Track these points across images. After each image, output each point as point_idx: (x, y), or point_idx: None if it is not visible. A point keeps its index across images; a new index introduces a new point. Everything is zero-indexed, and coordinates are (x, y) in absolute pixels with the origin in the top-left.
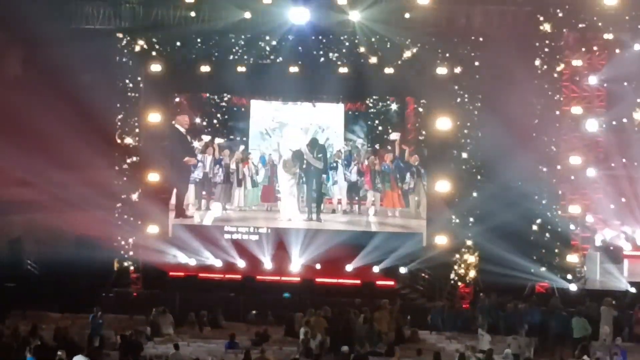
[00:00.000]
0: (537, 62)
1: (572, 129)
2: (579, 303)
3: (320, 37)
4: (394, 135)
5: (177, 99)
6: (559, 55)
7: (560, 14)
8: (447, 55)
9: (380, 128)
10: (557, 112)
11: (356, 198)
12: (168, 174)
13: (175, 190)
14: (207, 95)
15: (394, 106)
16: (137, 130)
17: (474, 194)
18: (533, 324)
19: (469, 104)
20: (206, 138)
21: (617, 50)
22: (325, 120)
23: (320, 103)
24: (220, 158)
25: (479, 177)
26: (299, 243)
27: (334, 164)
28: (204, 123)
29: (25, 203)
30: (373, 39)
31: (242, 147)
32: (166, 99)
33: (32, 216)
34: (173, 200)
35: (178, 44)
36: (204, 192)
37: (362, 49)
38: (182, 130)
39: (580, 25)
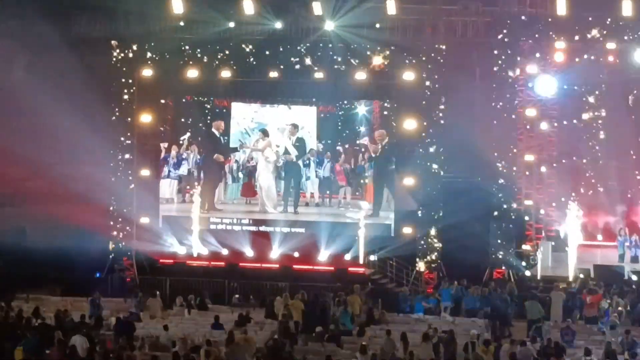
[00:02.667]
0: (496, 68)
1: (527, 129)
2: (533, 288)
3: (297, 45)
4: (365, 136)
5: (164, 101)
6: (515, 62)
7: (516, 25)
8: (414, 61)
9: (350, 129)
10: (513, 115)
11: (327, 192)
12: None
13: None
14: (192, 97)
15: (362, 109)
16: (130, 129)
17: (438, 188)
18: (492, 307)
19: (434, 105)
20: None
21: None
22: (300, 121)
23: (295, 106)
24: (204, 155)
25: (442, 173)
26: (277, 233)
27: (307, 162)
28: (189, 122)
29: (30, 195)
30: (346, 47)
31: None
32: (157, 101)
33: (36, 208)
34: (162, 194)
35: (167, 52)
36: (187, 187)
37: (336, 56)
38: (217, 134)
39: (535, 35)
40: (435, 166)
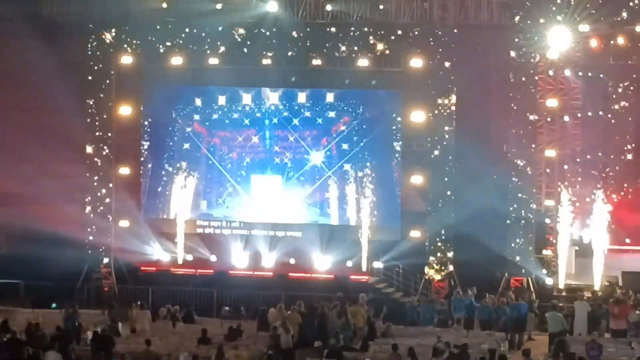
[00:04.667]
0: (513, 54)
1: (547, 122)
2: (554, 298)
3: (293, 29)
4: None
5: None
6: (534, 47)
7: (536, 5)
8: (422, 47)
9: None
10: (532, 106)
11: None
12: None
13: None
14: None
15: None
16: (107, 123)
17: (449, 187)
18: (508, 319)
19: (444, 96)
20: None
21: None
22: None
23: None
24: None
25: (453, 170)
26: (272, 237)
27: None
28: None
29: None
30: (346, 31)
31: None
32: (138, 92)
33: (3, 211)
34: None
35: (149, 36)
36: None
37: (336, 41)
38: None
39: (557, 17)
40: (445, 162)
